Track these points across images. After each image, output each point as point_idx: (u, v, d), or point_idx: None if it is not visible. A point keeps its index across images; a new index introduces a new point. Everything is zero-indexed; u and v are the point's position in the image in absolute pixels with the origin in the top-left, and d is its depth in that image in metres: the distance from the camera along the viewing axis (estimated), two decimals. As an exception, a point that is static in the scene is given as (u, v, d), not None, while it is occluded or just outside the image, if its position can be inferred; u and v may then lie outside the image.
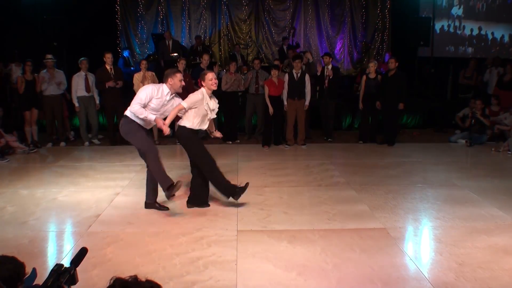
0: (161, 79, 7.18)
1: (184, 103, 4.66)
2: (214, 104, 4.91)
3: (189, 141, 4.80)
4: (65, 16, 10.18)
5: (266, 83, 7.93)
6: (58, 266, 1.67)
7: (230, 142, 8.45)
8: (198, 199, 5.00)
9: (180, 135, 4.86)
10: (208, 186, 5.05)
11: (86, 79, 8.17)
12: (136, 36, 12.69)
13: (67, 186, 5.77)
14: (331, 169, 6.57)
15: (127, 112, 4.70)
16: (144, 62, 8.39)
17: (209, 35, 12.76)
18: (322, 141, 8.64)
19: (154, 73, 8.42)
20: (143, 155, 4.83)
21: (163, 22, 12.71)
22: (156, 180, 4.76)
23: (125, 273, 1.55)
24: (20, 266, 1.94)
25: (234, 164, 6.84)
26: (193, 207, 4.97)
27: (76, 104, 8.23)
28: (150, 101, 4.61)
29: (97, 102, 8.37)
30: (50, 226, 4.59)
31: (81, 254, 1.79)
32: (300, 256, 3.77)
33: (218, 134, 5.21)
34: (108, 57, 8.06)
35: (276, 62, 8.75)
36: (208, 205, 5.02)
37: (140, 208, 4.95)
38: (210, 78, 4.75)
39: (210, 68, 9.00)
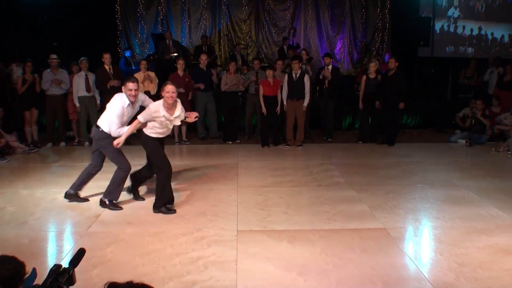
0: (161, 79, 7.22)
1: (140, 117, 4.68)
2: (177, 111, 4.77)
3: (151, 148, 4.84)
4: (65, 16, 10.18)
5: (261, 83, 7.95)
6: (57, 267, 1.68)
7: (230, 142, 8.45)
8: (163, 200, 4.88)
9: (143, 142, 4.87)
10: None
11: (87, 79, 8.15)
12: (136, 36, 12.70)
13: (67, 186, 5.72)
14: (331, 169, 6.57)
15: (103, 126, 4.81)
16: (144, 62, 8.38)
17: (209, 35, 12.76)
18: (322, 141, 8.64)
19: (154, 73, 8.42)
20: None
21: (163, 22, 12.72)
22: (111, 185, 4.94)
23: (125, 273, 1.55)
24: (20, 265, 1.94)
25: (234, 164, 6.83)
26: (159, 212, 4.80)
27: (77, 104, 8.23)
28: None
29: (98, 102, 8.36)
30: (50, 226, 4.58)
31: (79, 255, 1.79)
32: (300, 256, 3.76)
33: (192, 116, 5.05)
34: (106, 57, 8.03)
35: (279, 62, 8.70)
36: (174, 211, 4.83)
37: (140, 208, 4.95)
38: (167, 91, 4.61)
39: (210, 68, 9.01)
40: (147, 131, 4.77)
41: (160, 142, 4.91)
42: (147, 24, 12.66)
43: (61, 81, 8.06)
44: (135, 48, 12.64)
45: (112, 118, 4.75)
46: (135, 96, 4.80)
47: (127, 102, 4.78)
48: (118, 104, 4.76)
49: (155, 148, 4.84)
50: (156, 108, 4.66)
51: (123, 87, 4.83)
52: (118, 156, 4.94)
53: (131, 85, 4.74)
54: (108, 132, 4.79)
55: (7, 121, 8.13)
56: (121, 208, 4.93)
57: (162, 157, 4.85)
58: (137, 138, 5.45)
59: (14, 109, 8.67)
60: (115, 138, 4.78)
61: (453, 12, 13.03)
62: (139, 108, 5.01)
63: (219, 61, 12.51)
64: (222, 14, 12.90)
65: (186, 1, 12.74)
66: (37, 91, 8.03)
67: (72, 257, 1.76)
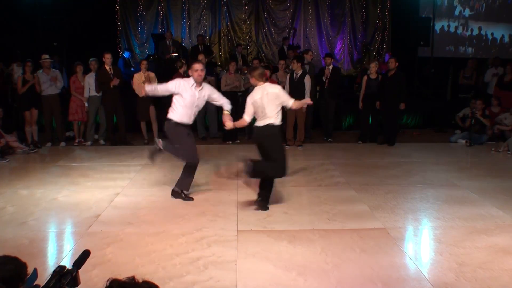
0: (161, 79, 7.21)
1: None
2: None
3: (276, 139, 4.77)
4: (65, 16, 10.19)
5: None
6: (61, 268, 1.67)
7: (230, 142, 8.45)
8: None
9: (268, 132, 4.71)
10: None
11: (96, 79, 8.18)
12: (136, 37, 12.69)
13: (67, 186, 5.77)
14: (331, 169, 6.57)
15: (172, 116, 4.94)
16: (144, 62, 8.39)
17: (209, 35, 12.76)
18: (322, 141, 8.64)
19: (153, 74, 8.41)
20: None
21: (163, 22, 12.70)
22: (181, 175, 5.16)
23: (125, 273, 1.54)
24: (22, 266, 1.93)
25: (234, 164, 6.83)
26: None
27: (86, 104, 8.25)
28: (180, 95, 4.86)
29: None
30: (50, 226, 4.59)
31: (83, 256, 1.78)
32: (300, 256, 3.76)
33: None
34: (107, 58, 8.05)
35: (281, 62, 8.71)
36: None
37: (140, 208, 4.95)
38: (196, 69, 4.87)
39: (210, 68, 9.00)
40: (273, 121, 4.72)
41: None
42: (147, 24, 12.64)
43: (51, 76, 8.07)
44: (135, 49, 12.64)
45: (168, 84, 4.93)
46: (202, 76, 4.89)
47: (193, 83, 4.87)
48: (179, 81, 4.95)
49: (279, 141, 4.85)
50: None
51: (189, 71, 5.02)
52: (185, 144, 5.02)
53: (197, 65, 4.86)
54: (178, 121, 4.90)
55: (7, 121, 8.13)
56: (192, 199, 5.15)
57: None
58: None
59: (14, 109, 8.68)
60: (179, 128, 4.92)
61: (454, 12, 13.03)
62: (206, 97, 5.04)
63: (219, 61, 12.50)
64: (222, 14, 12.89)
65: (186, 1, 12.72)
66: (37, 91, 8.03)
67: (76, 258, 1.76)
